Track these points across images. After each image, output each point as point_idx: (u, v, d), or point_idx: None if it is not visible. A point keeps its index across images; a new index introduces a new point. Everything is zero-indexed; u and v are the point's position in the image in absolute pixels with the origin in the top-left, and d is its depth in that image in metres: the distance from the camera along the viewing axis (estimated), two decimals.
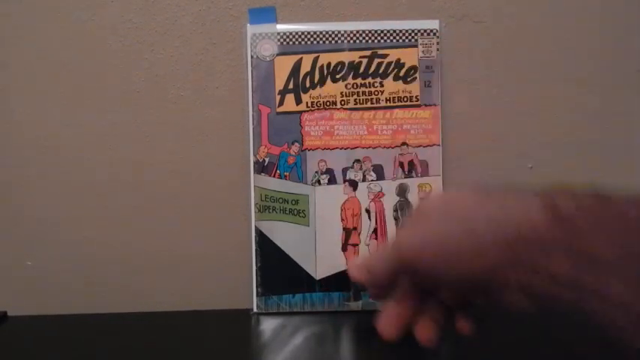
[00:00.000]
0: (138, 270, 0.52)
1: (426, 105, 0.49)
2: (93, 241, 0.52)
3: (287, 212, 0.49)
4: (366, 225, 0.49)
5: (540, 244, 0.22)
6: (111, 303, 0.52)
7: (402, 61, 0.49)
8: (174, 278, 0.52)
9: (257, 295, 0.49)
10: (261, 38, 0.48)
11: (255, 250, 0.49)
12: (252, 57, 0.48)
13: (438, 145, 0.49)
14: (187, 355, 0.43)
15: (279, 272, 0.49)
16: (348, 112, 0.49)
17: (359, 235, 0.49)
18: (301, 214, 0.49)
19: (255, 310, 0.49)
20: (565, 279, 0.22)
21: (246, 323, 0.48)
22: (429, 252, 0.26)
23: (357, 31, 0.48)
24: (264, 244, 0.49)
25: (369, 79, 0.49)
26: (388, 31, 0.48)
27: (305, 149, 0.49)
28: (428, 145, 0.49)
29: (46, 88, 0.50)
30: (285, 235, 0.49)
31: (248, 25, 0.48)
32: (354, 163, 0.49)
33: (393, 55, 0.49)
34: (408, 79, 0.49)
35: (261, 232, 0.49)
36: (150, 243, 0.52)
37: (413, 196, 0.49)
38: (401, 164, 0.49)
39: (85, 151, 0.51)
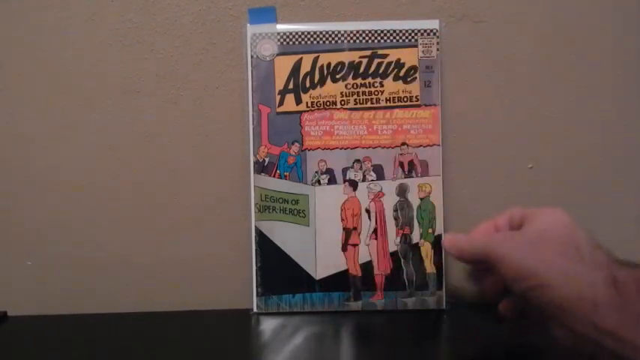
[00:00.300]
0: (138, 270, 0.52)
1: (426, 105, 0.49)
2: (93, 241, 0.52)
3: (287, 212, 0.49)
4: (366, 225, 0.49)
5: (594, 305, 0.29)
6: (111, 303, 0.52)
7: (402, 61, 0.49)
8: (174, 278, 0.52)
9: (257, 295, 0.49)
10: (261, 38, 0.48)
11: (255, 250, 0.49)
12: (252, 57, 0.48)
13: (438, 145, 0.49)
14: (187, 355, 0.43)
15: (279, 272, 0.49)
16: (348, 112, 0.49)
17: (359, 235, 0.49)
18: (301, 214, 0.49)
19: (255, 310, 0.49)
20: (607, 330, 0.28)
21: (246, 323, 0.48)
22: (510, 267, 0.33)
23: (357, 31, 0.48)
24: (264, 244, 0.49)
25: (369, 79, 0.49)
26: (388, 31, 0.48)
27: (305, 149, 0.49)
28: (428, 145, 0.49)
29: (46, 88, 0.50)
30: (285, 235, 0.49)
31: (248, 25, 0.48)
32: (354, 163, 0.49)
33: (393, 55, 0.49)
34: (408, 79, 0.49)
35: (261, 232, 0.49)
36: (150, 243, 0.52)
37: (413, 196, 0.49)
38: (401, 164, 0.49)
39: (85, 151, 0.51)
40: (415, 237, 0.49)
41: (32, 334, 0.48)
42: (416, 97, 0.49)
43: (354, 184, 0.49)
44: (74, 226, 0.51)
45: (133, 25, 0.49)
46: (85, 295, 0.52)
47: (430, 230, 0.49)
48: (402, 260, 0.49)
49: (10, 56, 0.49)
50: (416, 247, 0.49)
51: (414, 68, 0.49)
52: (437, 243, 0.49)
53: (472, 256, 0.38)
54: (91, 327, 0.49)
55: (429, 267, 0.49)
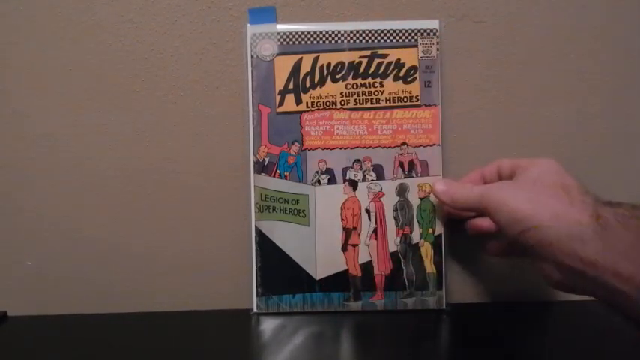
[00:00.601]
0: (138, 270, 0.52)
1: (426, 105, 0.49)
2: (93, 240, 0.52)
3: (287, 212, 0.49)
4: (366, 225, 0.49)
5: (581, 240, 0.32)
6: (111, 303, 0.52)
7: (402, 61, 0.49)
8: (174, 278, 0.52)
9: (257, 295, 0.49)
10: (261, 38, 0.48)
11: (255, 250, 0.49)
12: (252, 57, 0.48)
13: (438, 145, 0.49)
14: (187, 355, 0.43)
15: (279, 272, 0.49)
16: (348, 112, 0.49)
17: (359, 235, 0.49)
18: (301, 214, 0.49)
19: (255, 310, 0.49)
20: (589, 260, 0.31)
21: (246, 323, 0.48)
22: (504, 214, 0.36)
23: (357, 31, 0.48)
24: (264, 244, 0.49)
25: (369, 79, 0.49)
26: (388, 31, 0.48)
27: (305, 149, 0.49)
28: (428, 145, 0.49)
29: (46, 88, 0.50)
30: (285, 235, 0.49)
31: (248, 25, 0.48)
32: (354, 163, 0.49)
33: (393, 55, 0.49)
34: (408, 79, 0.49)
35: (261, 232, 0.49)
36: (150, 243, 0.52)
37: (413, 196, 0.49)
38: (401, 164, 0.49)
39: (85, 151, 0.51)
40: (415, 237, 0.49)
41: (32, 334, 0.48)
42: (416, 97, 0.49)
43: (354, 184, 0.49)
44: (74, 226, 0.51)
45: (133, 25, 0.49)
46: (85, 295, 0.52)
47: (430, 230, 0.49)
48: (402, 260, 0.49)
49: (9, 56, 0.49)
50: (416, 247, 0.49)
51: (414, 68, 0.49)
52: (437, 243, 0.49)
53: (466, 205, 0.41)
54: (91, 327, 0.49)
55: (429, 267, 0.49)
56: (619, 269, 0.30)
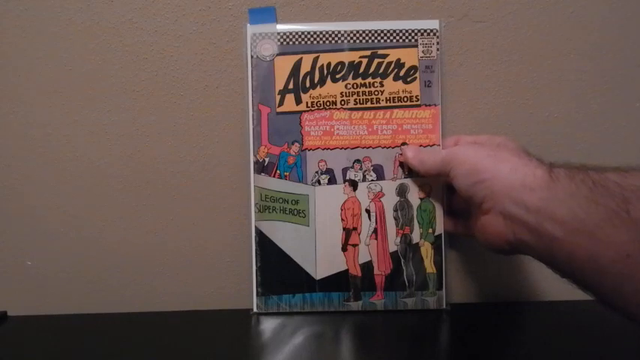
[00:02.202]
0: (138, 270, 0.52)
1: (426, 105, 0.49)
2: (93, 241, 0.52)
3: (287, 212, 0.49)
4: (366, 225, 0.49)
5: (531, 189, 0.34)
6: (111, 303, 0.52)
7: (402, 61, 0.49)
8: (174, 278, 0.52)
9: (257, 295, 0.49)
10: (261, 38, 0.48)
11: (255, 250, 0.49)
12: (252, 57, 0.48)
13: (438, 145, 0.49)
14: (187, 355, 0.43)
15: (279, 272, 0.49)
16: (348, 112, 0.49)
17: (359, 235, 0.49)
18: (301, 214, 0.49)
19: (255, 310, 0.49)
20: (534, 208, 0.34)
21: (246, 323, 0.48)
22: (467, 165, 0.39)
23: (357, 31, 0.48)
24: (264, 244, 0.49)
25: (369, 79, 0.49)
26: (388, 31, 0.48)
27: (305, 149, 0.49)
28: (428, 145, 0.49)
29: (46, 88, 0.50)
30: (285, 235, 0.49)
31: (248, 25, 0.48)
32: (354, 163, 0.49)
33: (393, 55, 0.49)
34: (408, 79, 0.49)
35: (261, 232, 0.49)
36: (150, 243, 0.52)
37: (413, 196, 0.49)
38: (401, 164, 0.49)
39: (85, 151, 0.51)
40: (415, 237, 0.49)
41: (32, 334, 0.48)
42: (416, 97, 0.49)
43: (354, 184, 0.49)
44: (74, 225, 0.52)
45: (133, 25, 0.49)
46: (85, 295, 0.52)
47: (430, 230, 0.49)
48: (402, 260, 0.49)
49: (10, 56, 0.49)
50: (416, 247, 0.49)
51: (414, 68, 0.49)
52: (437, 243, 0.49)
53: (434, 165, 0.43)
54: (91, 327, 0.49)
55: (429, 267, 0.49)
56: (556, 215, 0.32)
